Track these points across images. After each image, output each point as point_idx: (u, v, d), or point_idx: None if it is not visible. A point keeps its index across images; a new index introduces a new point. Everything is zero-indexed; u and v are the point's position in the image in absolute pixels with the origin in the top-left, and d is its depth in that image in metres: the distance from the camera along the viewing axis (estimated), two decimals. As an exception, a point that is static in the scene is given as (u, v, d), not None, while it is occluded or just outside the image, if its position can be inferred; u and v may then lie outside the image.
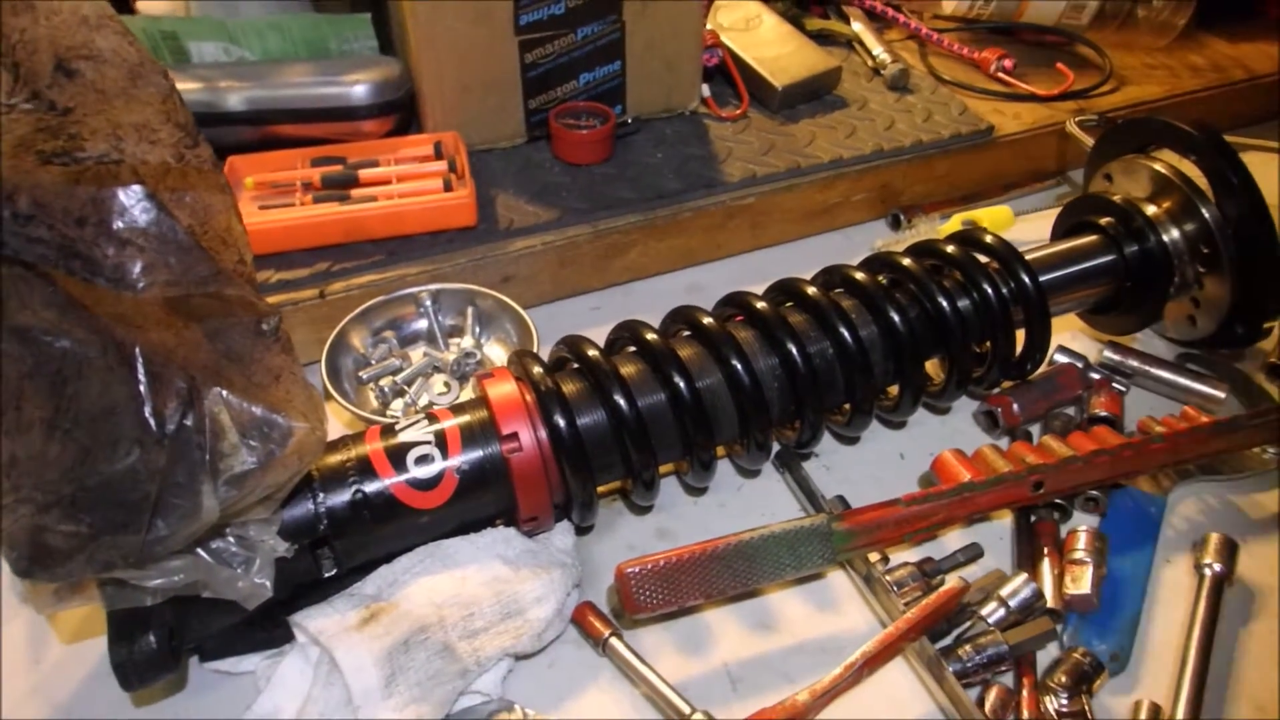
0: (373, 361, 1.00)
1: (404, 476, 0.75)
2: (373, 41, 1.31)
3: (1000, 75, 1.41)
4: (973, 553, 0.85)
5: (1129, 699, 0.75)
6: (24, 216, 0.47)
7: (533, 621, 0.75)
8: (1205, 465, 0.92)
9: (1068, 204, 1.07)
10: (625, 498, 0.90)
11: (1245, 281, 0.95)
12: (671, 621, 0.81)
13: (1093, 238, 1.00)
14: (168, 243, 0.52)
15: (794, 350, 0.84)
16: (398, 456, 0.76)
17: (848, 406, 0.90)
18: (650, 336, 0.84)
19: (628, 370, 0.82)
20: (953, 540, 0.87)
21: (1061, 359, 1.01)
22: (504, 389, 0.80)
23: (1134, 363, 1.02)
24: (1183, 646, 0.77)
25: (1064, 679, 0.73)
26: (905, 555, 0.85)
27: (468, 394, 0.96)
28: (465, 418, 0.79)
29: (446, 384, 0.97)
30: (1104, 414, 0.95)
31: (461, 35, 1.14)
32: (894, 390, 0.92)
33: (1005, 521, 0.89)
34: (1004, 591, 0.77)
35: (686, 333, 0.88)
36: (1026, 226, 1.25)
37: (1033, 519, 0.86)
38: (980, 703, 0.73)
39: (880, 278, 0.92)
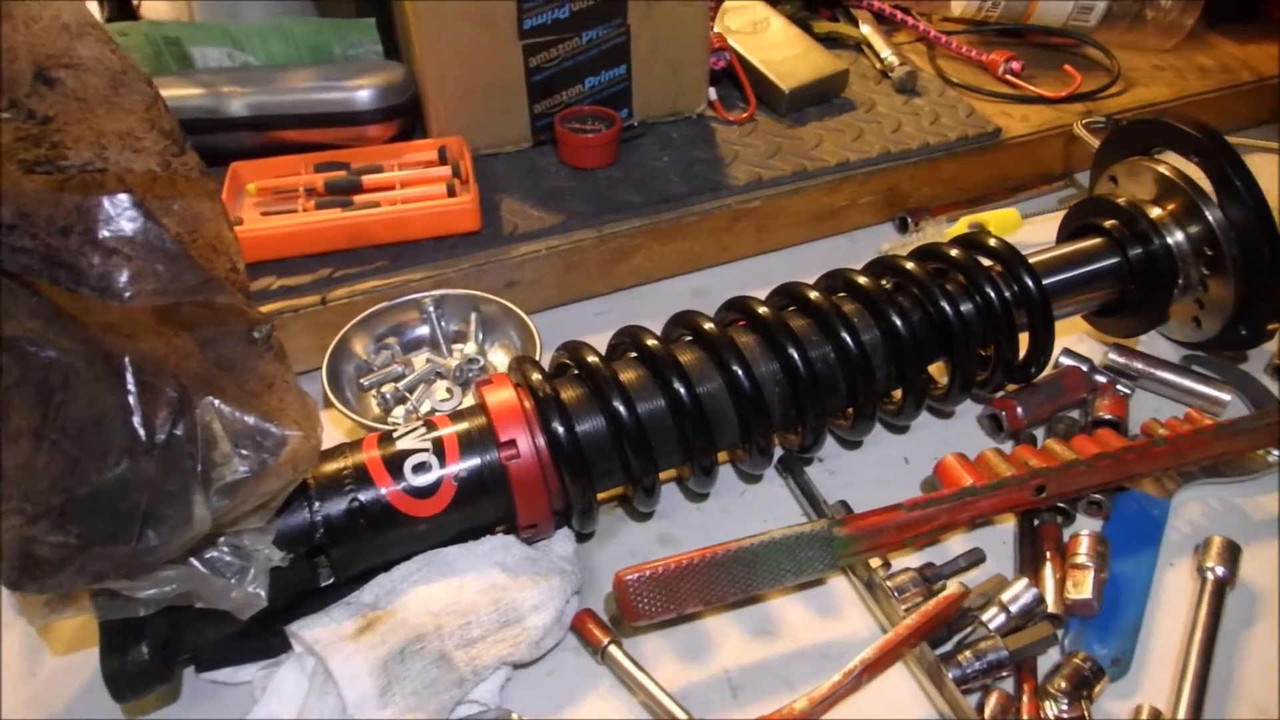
0: (375, 368, 1.00)
1: (401, 484, 0.75)
2: (378, 46, 1.30)
3: (1008, 77, 1.40)
4: (975, 557, 0.84)
5: (1130, 703, 0.74)
6: (7, 226, 0.47)
7: (531, 629, 0.75)
8: (1209, 468, 0.91)
9: (1072, 206, 1.07)
10: (626, 504, 0.90)
11: (1249, 283, 0.94)
12: (671, 628, 0.80)
13: (1097, 240, 1.00)
14: (155, 251, 0.52)
15: (795, 355, 0.83)
16: (395, 464, 0.76)
17: (851, 411, 0.89)
18: (651, 342, 0.83)
19: (628, 376, 0.82)
20: (956, 544, 0.86)
21: (1067, 362, 1.01)
22: (502, 396, 0.80)
23: (1139, 365, 1.01)
24: (1184, 650, 0.77)
25: (1064, 684, 0.72)
26: (907, 560, 0.84)
27: (469, 401, 0.95)
28: (463, 425, 0.79)
29: (449, 390, 0.97)
30: (1108, 417, 0.94)
31: (465, 39, 1.14)
32: (897, 394, 0.92)
33: (1008, 525, 0.88)
34: (1005, 596, 0.77)
35: (688, 338, 0.87)
36: (1033, 229, 1.24)
37: (1035, 523, 0.86)
38: (980, 709, 0.72)
39: (883, 281, 0.91)
